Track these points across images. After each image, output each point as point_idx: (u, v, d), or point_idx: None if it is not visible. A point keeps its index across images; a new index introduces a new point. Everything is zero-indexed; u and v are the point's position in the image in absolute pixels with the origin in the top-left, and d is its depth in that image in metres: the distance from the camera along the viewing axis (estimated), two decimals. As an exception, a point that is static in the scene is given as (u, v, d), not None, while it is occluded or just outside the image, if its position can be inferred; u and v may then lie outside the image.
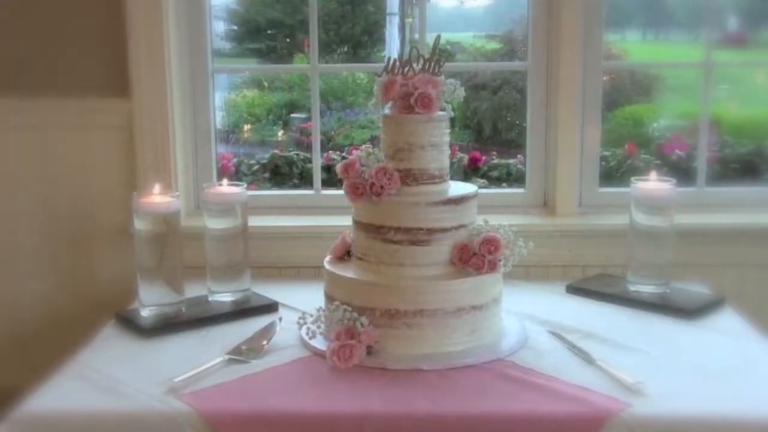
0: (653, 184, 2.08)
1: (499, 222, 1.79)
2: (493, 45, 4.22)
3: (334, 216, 2.36)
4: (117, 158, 2.36)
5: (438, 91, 1.76)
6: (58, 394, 1.55)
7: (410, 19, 2.81)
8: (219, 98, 2.72)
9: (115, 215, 2.36)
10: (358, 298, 1.72)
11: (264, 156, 3.10)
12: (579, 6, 2.30)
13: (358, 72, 4.29)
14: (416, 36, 2.55)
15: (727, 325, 1.91)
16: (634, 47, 3.52)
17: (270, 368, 1.67)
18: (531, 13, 2.40)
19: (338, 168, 1.78)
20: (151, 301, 1.93)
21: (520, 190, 2.56)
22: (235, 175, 2.92)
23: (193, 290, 2.04)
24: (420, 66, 1.78)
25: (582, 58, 2.35)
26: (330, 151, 3.13)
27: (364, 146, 1.81)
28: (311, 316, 1.76)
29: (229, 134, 3.92)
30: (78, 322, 2.04)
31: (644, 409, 1.45)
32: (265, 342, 1.79)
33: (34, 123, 2.34)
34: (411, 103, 1.73)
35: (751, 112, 3.11)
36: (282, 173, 3.03)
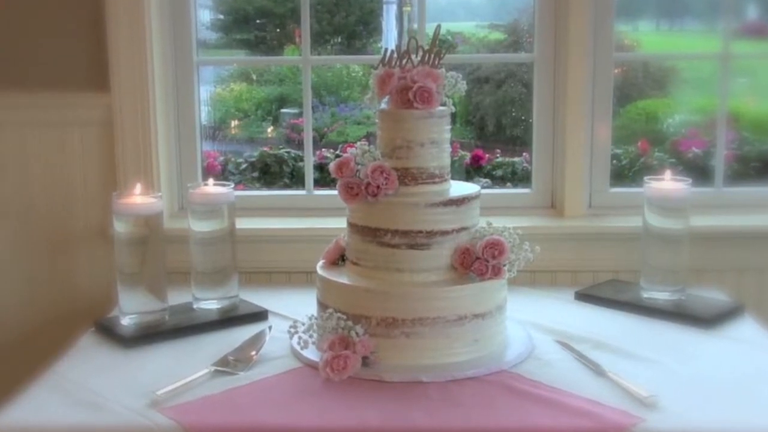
0: (668, 183, 2.09)
1: (503, 224, 1.80)
2: (497, 35, 4.23)
3: (327, 218, 2.36)
4: (96, 156, 2.36)
5: (438, 85, 1.77)
6: (34, 407, 1.55)
7: (408, 8, 2.82)
8: (204, 92, 2.73)
9: (93, 217, 2.36)
10: (353, 305, 1.73)
11: (252, 154, 3.11)
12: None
13: (353, 64, 4.29)
14: (415, 26, 2.56)
15: (747, 334, 1.92)
16: (647, 38, 3.52)
17: (259, 380, 1.67)
18: (537, 1, 2.41)
19: (332, 167, 1.79)
20: (132, 308, 1.93)
21: (526, 191, 2.57)
22: (222, 174, 2.93)
23: (176, 297, 2.05)
24: (419, 58, 1.79)
25: (592, 49, 2.36)
26: (323, 149, 3.14)
27: (359, 143, 1.81)
28: (303, 324, 1.76)
29: (216, 131, 3.93)
30: (54, 330, 2.05)
31: (658, 423, 1.46)
32: (253, 352, 1.79)
33: (6, 119, 2.34)
34: (409, 97, 1.74)
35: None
36: (272, 172, 3.03)
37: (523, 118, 3.81)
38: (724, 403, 1.55)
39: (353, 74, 4.30)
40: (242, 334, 1.91)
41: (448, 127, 1.81)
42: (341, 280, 1.79)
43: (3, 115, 2.34)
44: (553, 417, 1.49)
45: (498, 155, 3.18)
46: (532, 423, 1.49)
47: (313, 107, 2.56)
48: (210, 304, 2.06)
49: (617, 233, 2.33)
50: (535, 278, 2.27)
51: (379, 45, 4.28)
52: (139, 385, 1.62)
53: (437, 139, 1.78)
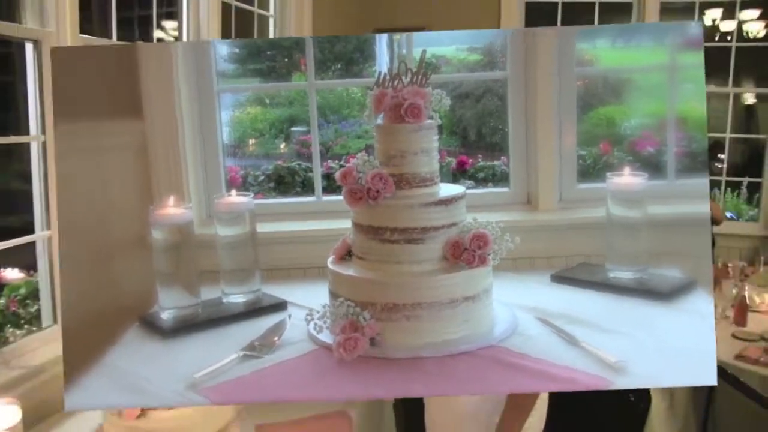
0: (627, 178, 2.10)
1: (486, 219, 1.80)
2: (475, 57, 4.22)
3: (335, 220, 2.36)
4: (133, 175, 2.36)
5: (426, 102, 1.77)
6: (89, 392, 1.56)
7: (398, 36, 2.80)
8: (225, 116, 2.73)
9: (134, 227, 2.35)
10: (360, 294, 1.73)
11: (268, 167, 3.10)
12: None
13: (352, 86, 4.28)
14: (404, 51, 2.55)
15: (699, 306, 1.92)
16: (605, 53, 3.52)
17: (281, 362, 1.68)
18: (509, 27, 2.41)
19: (337, 175, 1.79)
20: (170, 304, 1.94)
21: (505, 189, 2.57)
22: (243, 185, 2.92)
23: (208, 293, 2.05)
24: (408, 79, 1.79)
25: (557, 66, 2.36)
26: (329, 160, 3.12)
27: (360, 154, 1.82)
28: (318, 312, 1.76)
29: (236, 148, 3.92)
30: (104, 325, 2.05)
31: (627, 385, 1.46)
32: (276, 338, 1.79)
33: (60, 146, 2.34)
34: (401, 113, 1.74)
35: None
36: (285, 182, 3.02)
37: (500, 127, 3.80)
38: (681, 365, 1.55)
39: (352, 95, 4.29)
40: (266, 322, 1.91)
41: (436, 137, 1.82)
42: (349, 272, 1.79)
43: (57, 144, 2.34)
44: (536, 383, 1.50)
45: (480, 160, 3.16)
46: (520, 389, 1.49)
47: (318, 125, 2.56)
48: (237, 297, 2.06)
49: (585, 223, 2.32)
50: (516, 264, 2.26)
51: (374, 69, 4.28)
52: (178, 370, 1.63)
53: (427, 148, 1.78)
